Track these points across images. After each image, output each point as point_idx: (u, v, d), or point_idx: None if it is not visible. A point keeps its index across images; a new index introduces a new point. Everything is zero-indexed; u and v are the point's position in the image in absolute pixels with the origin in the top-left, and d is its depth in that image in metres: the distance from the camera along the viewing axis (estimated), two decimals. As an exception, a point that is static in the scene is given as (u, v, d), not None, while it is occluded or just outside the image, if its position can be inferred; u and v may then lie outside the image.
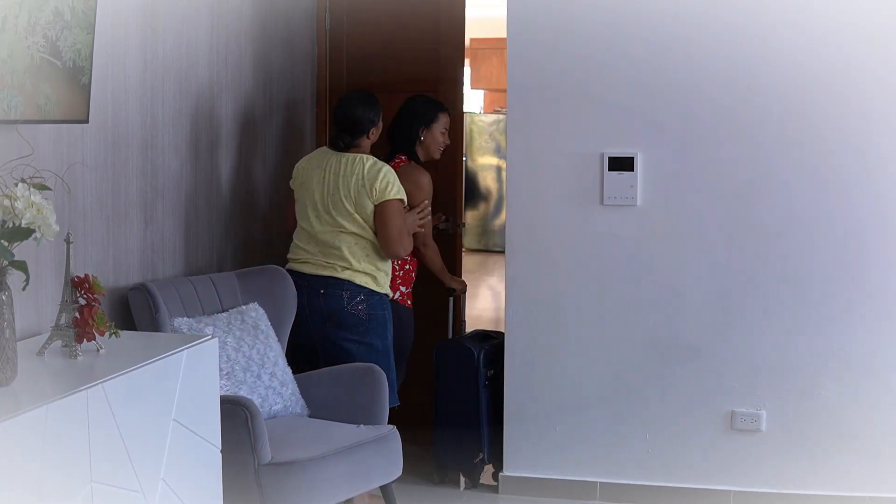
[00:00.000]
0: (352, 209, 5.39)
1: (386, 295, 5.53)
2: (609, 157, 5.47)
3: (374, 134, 5.59)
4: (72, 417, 3.30)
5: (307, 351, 5.49)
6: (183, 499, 3.87)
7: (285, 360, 5.12)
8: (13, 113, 3.81)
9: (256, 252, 6.01)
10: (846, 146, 5.29)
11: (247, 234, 5.93)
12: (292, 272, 5.46)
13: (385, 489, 5.01)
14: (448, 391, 5.90)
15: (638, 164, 5.44)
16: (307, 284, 5.43)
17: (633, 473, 5.59)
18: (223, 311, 5.06)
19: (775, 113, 5.34)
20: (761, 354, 5.42)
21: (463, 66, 6.73)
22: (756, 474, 5.46)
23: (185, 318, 4.82)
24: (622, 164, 5.45)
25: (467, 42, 16.20)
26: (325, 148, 5.64)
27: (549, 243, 5.60)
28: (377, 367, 5.15)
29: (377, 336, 5.47)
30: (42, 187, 3.65)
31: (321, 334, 5.47)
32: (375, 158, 5.49)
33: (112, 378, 3.52)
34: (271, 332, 5.10)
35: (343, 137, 5.52)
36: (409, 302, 5.90)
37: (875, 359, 5.32)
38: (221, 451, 4.16)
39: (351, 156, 5.47)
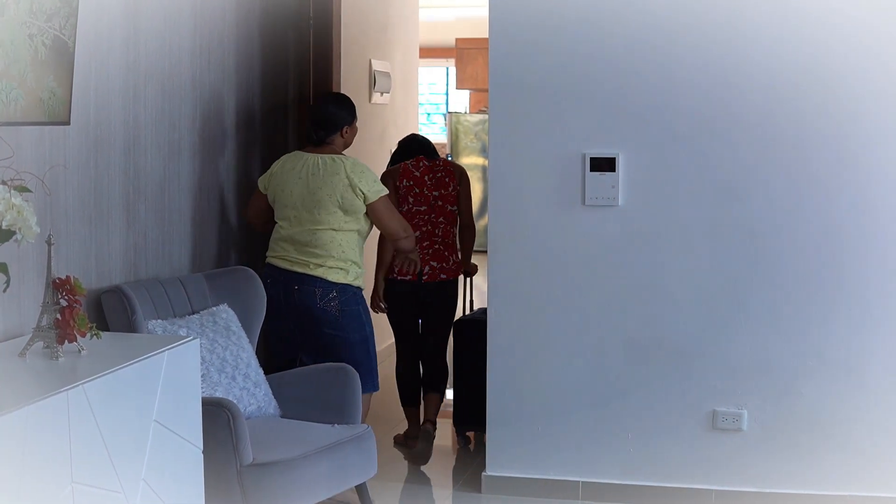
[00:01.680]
0: (335, 207, 5.51)
1: (359, 288, 5.66)
2: (591, 158, 5.48)
3: (348, 133, 5.76)
4: (53, 418, 3.32)
5: (286, 342, 5.65)
6: (164, 500, 3.89)
7: (257, 361, 5.15)
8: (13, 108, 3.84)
9: (239, 253, 6.02)
10: (826, 147, 5.30)
11: (229, 235, 5.94)
12: (270, 266, 5.62)
13: (360, 488, 5.05)
14: (465, 362, 6.50)
15: (619, 165, 5.46)
16: (283, 280, 5.58)
17: (615, 473, 5.60)
18: (194, 313, 5.08)
19: (755, 114, 5.35)
20: (742, 354, 5.44)
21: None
22: (738, 473, 5.47)
23: (159, 321, 4.83)
24: (604, 164, 5.46)
25: (452, 42, 16.26)
26: (297, 151, 5.76)
27: (532, 244, 5.61)
28: (349, 367, 5.23)
29: (352, 330, 5.61)
30: (23, 189, 3.67)
31: (298, 328, 5.61)
32: (353, 158, 5.64)
33: (93, 379, 3.53)
34: (242, 334, 5.12)
35: (317, 132, 5.68)
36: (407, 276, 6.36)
37: (855, 358, 5.34)
38: (203, 453, 4.17)
39: (328, 156, 5.60)
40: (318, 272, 5.53)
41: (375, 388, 5.70)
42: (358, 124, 5.85)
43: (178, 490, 4.03)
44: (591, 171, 5.48)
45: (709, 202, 5.42)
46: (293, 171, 5.61)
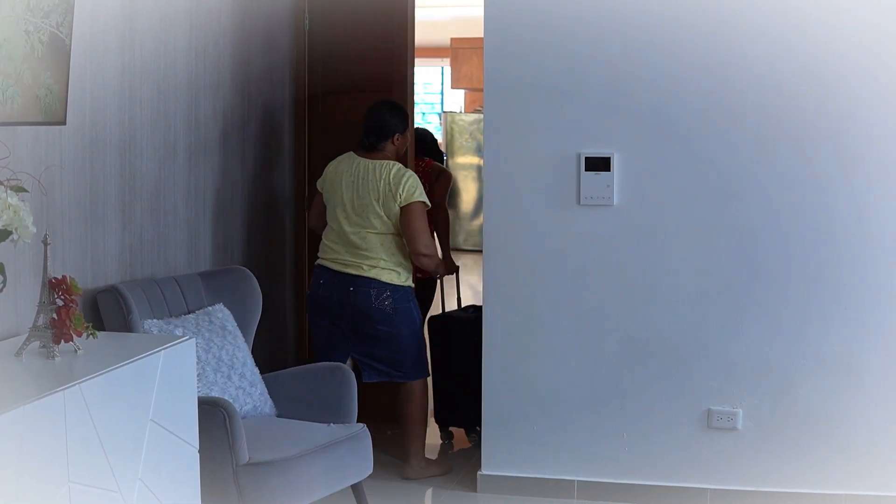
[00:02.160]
0: (380, 210, 5.73)
1: (410, 287, 5.90)
2: (585, 157, 5.49)
3: (399, 141, 5.94)
4: (49, 418, 3.32)
5: (338, 339, 5.90)
6: (161, 499, 3.89)
7: (252, 360, 5.16)
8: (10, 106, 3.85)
9: (235, 253, 6.03)
10: (823, 146, 5.30)
11: (225, 235, 5.94)
12: (322, 268, 5.90)
13: (356, 487, 5.04)
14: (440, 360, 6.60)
15: (614, 165, 5.47)
16: (338, 281, 5.82)
17: (610, 472, 5.61)
18: (189, 313, 5.09)
19: (751, 113, 5.36)
20: (738, 353, 5.44)
21: (411, 67, 6.71)
22: (733, 472, 5.48)
23: (155, 320, 4.84)
24: (599, 164, 5.47)
25: (447, 42, 16.22)
26: (351, 153, 5.91)
27: (527, 243, 5.61)
28: (345, 366, 5.30)
29: (405, 326, 5.86)
30: (19, 189, 3.67)
31: (352, 326, 5.85)
32: (401, 164, 5.82)
33: (89, 379, 3.54)
34: (238, 333, 5.13)
35: (368, 137, 5.88)
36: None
37: (851, 357, 5.35)
38: (199, 452, 4.17)
39: (378, 161, 5.79)
40: (372, 273, 5.76)
41: (428, 373, 6.05)
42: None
43: (175, 489, 4.03)
44: (586, 170, 5.49)
45: (704, 202, 5.43)
46: (345, 173, 5.82)
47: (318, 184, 5.99)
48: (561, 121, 5.54)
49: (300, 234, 6.87)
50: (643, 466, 5.58)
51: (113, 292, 4.71)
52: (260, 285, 5.47)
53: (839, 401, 5.37)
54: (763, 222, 5.38)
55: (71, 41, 4.25)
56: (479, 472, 5.76)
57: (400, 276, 5.82)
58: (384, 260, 5.76)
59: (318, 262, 5.92)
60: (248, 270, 5.47)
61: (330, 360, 5.64)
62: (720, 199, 5.42)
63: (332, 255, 5.84)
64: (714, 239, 5.44)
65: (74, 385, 3.45)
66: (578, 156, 5.50)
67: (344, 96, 6.80)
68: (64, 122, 4.31)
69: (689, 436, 5.52)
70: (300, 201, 6.85)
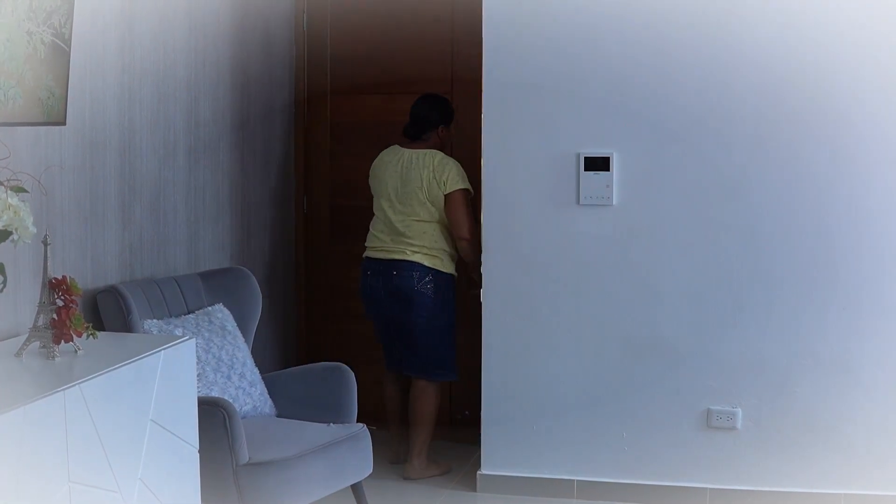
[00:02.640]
0: (424, 198, 5.90)
1: (452, 275, 6.00)
2: (585, 157, 5.49)
3: (444, 133, 6.09)
4: (49, 418, 3.32)
5: (382, 328, 6.11)
6: (161, 499, 3.89)
7: (252, 360, 5.16)
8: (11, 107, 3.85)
9: (234, 253, 6.03)
10: (820, 146, 5.31)
11: (224, 235, 5.95)
12: (368, 259, 6.07)
13: (356, 487, 5.04)
14: None
15: (614, 164, 5.47)
16: (382, 269, 5.99)
17: (610, 471, 5.61)
18: (189, 313, 5.09)
19: (749, 112, 5.36)
20: (737, 352, 5.45)
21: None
22: (732, 471, 5.48)
23: (155, 321, 4.84)
24: (598, 163, 5.48)
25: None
26: (395, 146, 6.05)
27: (526, 243, 5.62)
28: (344, 366, 5.25)
29: (444, 312, 5.99)
30: (19, 189, 3.67)
31: (392, 313, 6.00)
32: (444, 154, 5.95)
33: (90, 379, 3.54)
34: (238, 333, 5.13)
35: (412, 128, 6.06)
36: None
37: (848, 356, 5.35)
38: (199, 452, 4.18)
39: (422, 151, 5.95)
40: (416, 258, 5.91)
41: (454, 376, 6.14)
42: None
43: (175, 489, 4.03)
44: (585, 170, 5.49)
45: (703, 202, 5.43)
46: (390, 164, 5.99)
47: (370, 180, 6.14)
48: (560, 121, 5.55)
49: (300, 235, 6.88)
50: (642, 466, 5.58)
51: (113, 292, 4.72)
52: (259, 285, 5.49)
53: (838, 400, 5.37)
54: (762, 222, 5.38)
55: (71, 43, 4.26)
56: (478, 472, 5.77)
57: (443, 263, 5.96)
58: (426, 247, 5.91)
59: (365, 254, 6.08)
60: (247, 270, 5.49)
61: (391, 351, 6.02)
62: (719, 198, 5.42)
63: (377, 244, 6.01)
64: (713, 239, 5.44)
65: (74, 385, 3.45)
66: (578, 155, 5.51)
67: (344, 96, 6.82)
68: (64, 123, 4.32)
69: (689, 435, 5.52)
70: (300, 201, 6.86)
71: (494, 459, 5.74)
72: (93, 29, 4.60)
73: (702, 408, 5.50)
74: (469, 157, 6.04)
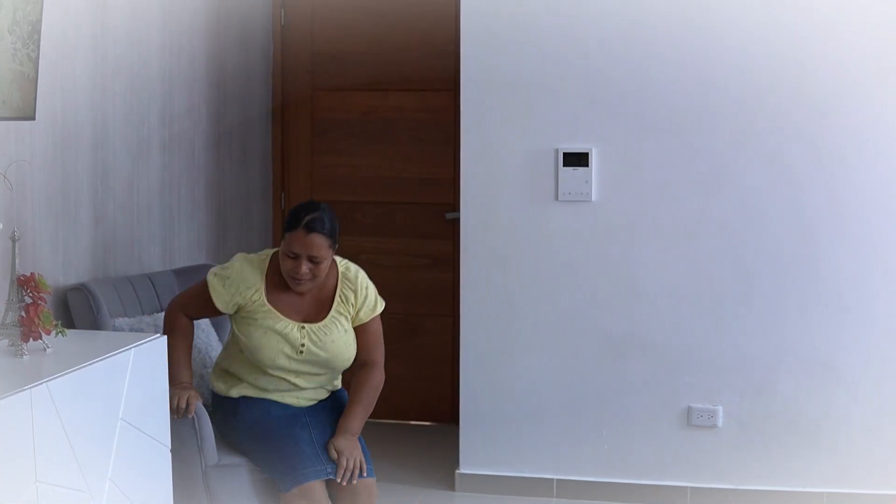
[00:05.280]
0: None
1: None
2: (564, 153, 5.45)
3: None
4: (17, 417, 3.26)
5: None
6: (131, 499, 3.84)
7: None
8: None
9: (209, 250, 5.98)
10: (801, 141, 5.29)
11: (200, 231, 5.90)
12: None
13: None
14: None
15: (593, 160, 5.43)
16: None
17: (589, 470, 5.59)
18: (162, 310, 5.02)
19: (730, 107, 5.34)
20: (718, 350, 5.43)
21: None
22: (713, 470, 5.47)
23: (126, 318, 4.78)
24: (577, 159, 5.44)
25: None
26: None
27: (505, 240, 5.58)
28: None
29: None
30: (-16, 184, 3.62)
31: None
32: None
33: (58, 377, 3.48)
34: (212, 331, 5.08)
35: None
36: None
37: (830, 354, 5.34)
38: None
39: None
40: None
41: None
42: None
43: (146, 489, 3.98)
44: (564, 166, 5.45)
45: (683, 197, 5.40)
46: None
47: None
48: (538, 116, 5.51)
49: (276, 231, 6.83)
50: (622, 464, 5.56)
51: (82, 290, 4.66)
52: (234, 283, 5.43)
53: (819, 398, 5.36)
54: (742, 218, 5.36)
55: (41, 32, 4.21)
56: (457, 471, 5.73)
57: None
58: None
59: None
60: (222, 267, 5.43)
61: None
62: (698, 194, 5.40)
63: None
64: (693, 234, 5.41)
65: (42, 383, 3.39)
66: (556, 151, 5.47)
67: (327, 92, 6.79)
68: (33, 118, 4.26)
69: (669, 433, 5.50)
70: (276, 198, 6.81)
71: (473, 458, 5.70)
72: (63, 22, 4.54)
73: (682, 405, 5.48)
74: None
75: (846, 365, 5.33)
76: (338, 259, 4.65)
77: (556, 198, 5.49)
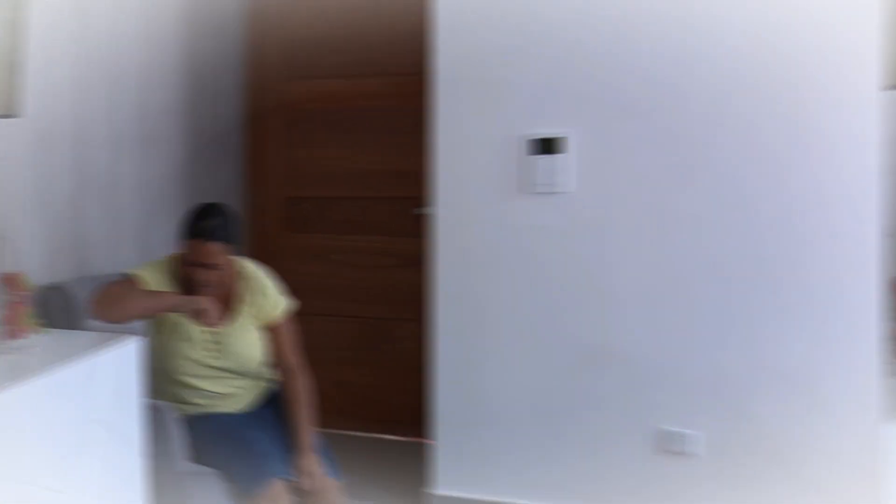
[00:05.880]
0: None
1: None
2: (535, 140, 5.27)
3: None
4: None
5: None
6: (105, 501, 3.84)
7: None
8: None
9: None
10: (782, 129, 4.96)
11: (174, 228, 5.89)
12: None
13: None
14: None
15: (569, 148, 5.23)
16: None
17: (559, 496, 5.39)
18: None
19: (710, 92, 5.05)
20: (691, 366, 5.18)
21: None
22: (687, 497, 5.22)
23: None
24: (551, 147, 5.24)
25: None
26: None
27: (477, 238, 5.41)
28: None
29: None
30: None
31: None
32: None
33: (33, 378, 3.48)
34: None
35: None
36: None
37: (812, 373, 5.02)
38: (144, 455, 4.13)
39: None
40: None
41: None
42: None
43: (119, 491, 3.98)
44: (534, 154, 5.27)
45: (655, 191, 5.15)
46: None
47: None
48: (509, 103, 5.33)
49: (255, 228, 6.79)
50: (594, 491, 5.35)
51: (60, 289, 4.65)
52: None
53: (799, 423, 5.04)
54: (716, 212, 5.08)
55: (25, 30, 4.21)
56: (428, 492, 5.60)
57: None
58: None
59: None
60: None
61: None
62: (673, 189, 5.13)
63: None
64: (667, 234, 5.16)
65: (17, 385, 3.39)
66: (526, 139, 5.29)
67: (301, 81, 6.71)
68: (17, 115, 4.26)
69: (642, 458, 5.25)
70: (255, 193, 6.79)
71: (446, 480, 5.55)
72: (45, 19, 4.54)
73: (653, 425, 5.26)
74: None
75: (828, 385, 4.98)
76: (236, 259, 4.63)
77: (525, 190, 5.29)
